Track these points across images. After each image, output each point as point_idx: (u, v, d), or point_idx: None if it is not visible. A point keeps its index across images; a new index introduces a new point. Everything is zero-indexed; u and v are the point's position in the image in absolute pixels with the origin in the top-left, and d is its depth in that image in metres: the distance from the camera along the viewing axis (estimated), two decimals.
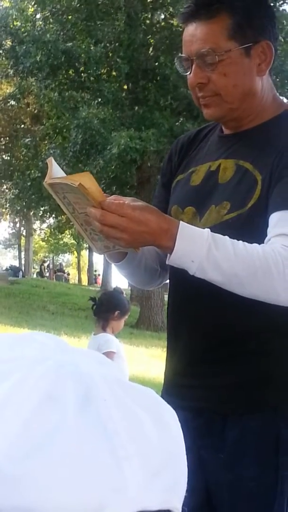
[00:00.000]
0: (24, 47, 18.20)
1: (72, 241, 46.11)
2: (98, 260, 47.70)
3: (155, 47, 17.87)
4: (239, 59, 1.60)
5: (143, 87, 17.70)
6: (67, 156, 17.19)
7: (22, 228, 44.54)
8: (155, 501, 0.52)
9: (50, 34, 18.17)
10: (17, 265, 43.66)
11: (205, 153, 1.76)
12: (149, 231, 1.44)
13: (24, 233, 43.01)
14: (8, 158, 27.88)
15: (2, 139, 30.00)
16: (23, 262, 43.31)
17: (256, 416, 1.58)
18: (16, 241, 52.74)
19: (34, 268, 48.93)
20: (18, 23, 19.40)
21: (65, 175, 1.52)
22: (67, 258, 65.74)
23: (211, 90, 1.61)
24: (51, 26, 18.73)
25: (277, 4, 17.51)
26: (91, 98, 18.16)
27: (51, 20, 19.17)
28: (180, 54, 1.65)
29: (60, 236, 43.81)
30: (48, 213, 24.07)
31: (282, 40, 18.97)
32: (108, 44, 17.84)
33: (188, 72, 1.63)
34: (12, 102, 27.86)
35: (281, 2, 17.26)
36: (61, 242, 49.26)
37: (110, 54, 18.00)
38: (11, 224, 49.26)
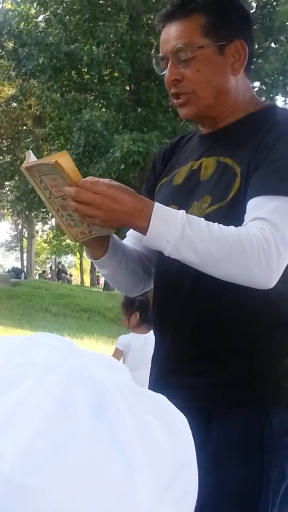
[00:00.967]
0: (27, 49, 18.23)
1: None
2: None
3: (157, 48, 17.89)
4: (213, 56, 1.64)
5: (145, 88, 17.72)
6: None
7: (24, 230, 44.58)
8: None
9: (52, 36, 18.21)
10: (19, 266, 43.71)
11: (187, 155, 1.80)
12: (123, 209, 1.45)
13: (26, 235, 43.04)
14: (10, 159, 27.90)
15: (4, 140, 30.03)
16: (25, 263, 43.34)
17: (241, 415, 1.58)
18: (18, 243, 52.80)
19: (36, 269, 48.98)
20: (21, 25, 19.41)
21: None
22: (69, 260, 65.80)
23: (185, 87, 1.65)
24: (53, 28, 18.74)
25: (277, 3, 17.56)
26: (94, 100, 18.18)
27: (53, 22, 19.19)
28: (157, 55, 1.70)
29: (62, 238, 43.85)
30: (50, 215, 24.08)
31: (284, 40, 19.01)
32: (110, 46, 17.86)
33: (165, 72, 1.67)
34: (14, 104, 27.91)
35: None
36: (64, 243, 49.30)
37: (113, 56, 18.02)
38: (13, 226, 49.33)
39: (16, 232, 52.08)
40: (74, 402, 0.49)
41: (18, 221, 43.67)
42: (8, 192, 29.44)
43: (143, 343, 4.55)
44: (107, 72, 19.06)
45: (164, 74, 1.68)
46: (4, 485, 0.46)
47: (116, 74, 18.51)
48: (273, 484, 1.56)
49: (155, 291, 1.78)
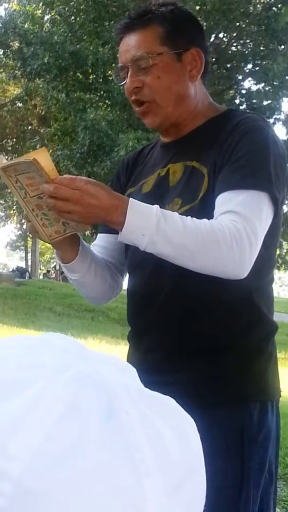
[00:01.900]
0: (32, 49, 18.24)
1: None
2: None
3: None
4: (171, 63, 1.72)
5: None
6: (75, 158, 17.21)
7: None
8: None
9: (57, 35, 18.22)
10: (24, 266, 43.75)
11: (152, 164, 1.86)
12: (100, 205, 1.47)
13: (30, 235, 43.05)
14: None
15: (9, 140, 30.07)
16: (29, 263, 43.40)
17: (221, 409, 1.61)
18: (22, 243, 52.86)
19: (40, 269, 48.99)
20: (26, 25, 19.43)
21: None
22: None
23: (146, 95, 1.71)
24: (59, 27, 18.76)
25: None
26: (99, 99, 18.19)
27: (59, 21, 19.21)
28: (115, 65, 1.77)
29: None
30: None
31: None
32: (115, 45, 17.86)
33: (125, 81, 1.74)
34: (19, 104, 27.94)
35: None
36: None
37: (118, 55, 18.02)
38: (18, 226, 49.38)
39: (21, 232, 52.17)
40: (84, 405, 0.49)
41: (23, 221, 43.70)
42: None
43: None
44: (112, 72, 19.07)
45: (123, 84, 1.74)
46: (16, 489, 0.46)
47: None
48: (254, 475, 1.61)
49: (130, 293, 1.81)
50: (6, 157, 28.73)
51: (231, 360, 1.64)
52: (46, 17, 21.17)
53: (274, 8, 19.17)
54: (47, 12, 20.74)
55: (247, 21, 19.42)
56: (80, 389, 0.50)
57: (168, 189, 1.73)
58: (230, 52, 20.75)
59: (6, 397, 0.50)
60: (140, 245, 1.50)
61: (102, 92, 18.58)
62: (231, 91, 20.77)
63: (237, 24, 19.19)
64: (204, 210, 1.61)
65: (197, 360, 1.64)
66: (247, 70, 20.68)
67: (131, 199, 1.52)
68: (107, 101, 18.35)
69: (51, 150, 20.49)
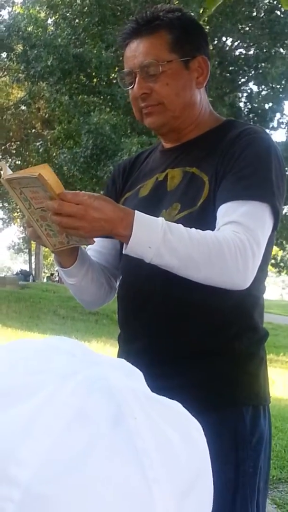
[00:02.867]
0: (36, 52, 18.27)
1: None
2: None
3: None
4: (180, 70, 1.73)
5: None
6: (78, 162, 17.22)
7: None
8: None
9: (61, 38, 18.25)
10: (28, 269, 43.77)
11: (149, 168, 1.87)
12: (106, 218, 1.47)
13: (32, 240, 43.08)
14: (19, 162, 27.95)
15: (13, 143, 30.10)
16: (33, 266, 43.43)
17: (214, 414, 1.61)
18: (26, 246, 52.91)
19: (44, 272, 49.03)
20: (30, 28, 19.47)
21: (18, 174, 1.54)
22: None
23: (154, 100, 1.73)
24: (62, 30, 18.79)
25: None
26: (103, 103, 18.20)
27: (62, 24, 19.24)
28: (122, 70, 1.78)
29: None
30: None
31: None
32: (119, 49, 17.88)
33: (131, 86, 1.75)
34: (23, 107, 27.98)
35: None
36: None
37: (121, 58, 18.04)
38: (22, 229, 49.43)
39: (24, 235, 52.21)
40: (92, 411, 0.49)
41: (26, 225, 43.70)
42: None
43: None
44: (115, 75, 19.08)
45: (129, 89, 1.76)
46: (25, 495, 0.46)
47: None
48: (249, 478, 1.62)
49: (122, 297, 1.81)
50: (10, 160, 28.75)
51: (222, 365, 1.65)
52: (49, 20, 21.21)
53: (277, 12, 19.17)
54: (51, 15, 20.79)
55: (250, 24, 19.43)
56: (89, 395, 0.50)
57: (165, 194, 1.74)
58: (233, 55, 20.76)
59: (14, 403, 0.50)
60: (146, 257, 1.50)
61: (105, 95, 18.59)
62: (232, 95, 20.76)
63: (240, 27, 19.19)
64: (203, 216, 1.62)
65: (189, 365, 1.64)
66: (250, 74, 20.69)
67: (136, 211, 1.52)
68: (110, 104, 18.36)
69: (54, 154, 20.51)
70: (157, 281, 1.63)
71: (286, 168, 1.72)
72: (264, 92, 19.79)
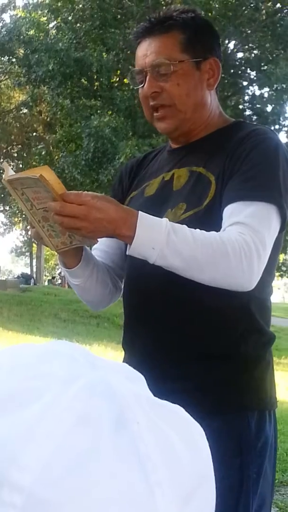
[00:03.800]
0: (37, 56, 18.29)
1: None
2: None
3: None
4: (191, 71, 1.72)
5: None
6: (80, 165, 17.23)
7: None
8: None
9: (62, 42, 18.27)
10: (29, 272, 43.79)
11: (157, 168, 1.86)
12: (108, 218, 1.46)
13: (36, 241, 43.09)
14: (21, 166, 27.97)
15: (14, 147, 30.13)
16: (34, 269, 43.43)
17: (219, 418, 1.59)
18: (27, 249, 52.94)
19: (45, 275, 49.04)
20: (31, 32, 19.50)
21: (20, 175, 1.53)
22: None
23: (164, 99, 1.72)
24: (63, 34, 18.81)
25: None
26: (104, 106, 18.21)
27: (63, 28, 19.26)
28: (133, 68, 1.77)
29: None
30: None
31: None
32: (119, 52, 17.91)
33: (142, 85, 1.74)
34: (25, 110, 28.00)
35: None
36: None
37: (122, 62, 18.06)
38: (23, 232, 49.46)
39: (26, 238, 52.25)
40: (94, 415, 0.49)
41: (28, 227, 43.70)
42: None
43: None
44: (116, 79, 19.11)
45: (140, 87, 1.75)
46: (27, 499, 0.46)
47: (125, 81, 18.55)
48: (252, 483, 1.60)
49: (125, 298, 1.80)
50: (11, 164, 28.76)
51: (227, 368, 1.64)
52: (51, 24, 21.24)
53: (279, 14, 19.20)
54: (52, 19, 20.81)
55: (253, 27, 19.45)
56: (91, 399, 0.50)
57: (171, 193, 1.73)
58: (235, 58, 20.78)
59: (16, 408, 0.50)
60: (149, 258, 1.49)
61: (106, 99, 18.61)
62: (235, 97, 20.79)
63: (243, 30, 19.22)
64: (209, 216, 1.61)
65: (193, 368, 1.63)
66: (252, 76, 20.71)
67: (140, 212, 1.51)
68: (111, 107, 18.38)
69: (56, 157, 20.52)
70: (160, 282, 1.62)
71: None
72: (267, 94, 19.80)
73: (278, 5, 19.36)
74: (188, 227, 1.53)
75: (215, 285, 1.51)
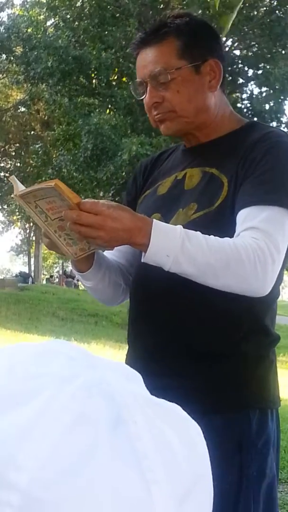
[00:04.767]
0: (35, 53, 18.29)
1: None
2: None
3: None
4: (190, 76, 1.72)
5: None
6: (78, 162, 17.22)
7: (32, 234, 44.68)
8: None
9: (61, 40, 18.26)
10: (27, 271, 43.79)
11: (170, 167, 1.86)
12: (124, 228, 1.48)
13: (34, 239, 43.13)
14: (19, 164, 27.96)
15: (12, 145, 30.10)
16: (32, 268, 43.44)
17: (220, 417, 1.61)
18: (26, 248, 52.94)
19: (43, 274, 49.05)
20: (29, 30, 19.48)
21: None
22: None
23: (166, 108, 1.72)
24: (62, 32, 18.80)
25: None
26: (102, 104, 18.20)
27: (62, 26, 19.25)
28: (135, 80, 1.77)
29: None
30: None
31: None
32: (118, 50, 17.90)
33: (143, 96, 1.74)
34: (22, 109, 27.98)
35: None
36: None
37: (121, 60, 18.05)
38: (21, 231, 49.47)
39: (24, 237, 52.26)
40: (92, 415, 0.49)
41: (27, 226, 43.78)
42: None
43: None
44: (115, 77, 19.10)
45: (143, 98, 1.75)
46: (23, 499, 0.46)
47: (124, 79, 18.54)
48: (253, 482, 1.60)
49: (132, 296, 1.81)
50: (9, 162, 28.74)
51: (228, 367, 1.64)
52: (49, 22, 21.23)
53: (277, 12, 19.19)
54: (50, 17, 20.79)
55: (250, 25, 19.45)
56: (88, 398, 0.50)
57: (183, 192, 1.74)
58: (233, 56, 20.77)
59: (13, 407, 0.49)
60: (164, 265, 1.50)
61: (105, 97, 18.60)
62: (233, 95, 20.78)
63: (240, 28, 19.20)
64: (219, 217, 1.62)
65: (195, 366, 1.63)
66: (250, 74, 20.70)
67: (154, 220, 1.52)
68: (110, 106, 18.37)
69: (54, 155, 20.50)
70: (165, 280, 1.62)
71: None
72: (265, 93, 19.79)
73: (275, 3, 19.34)
74: (199, 227, 1.55)
75: (229, 290, 1.52)
